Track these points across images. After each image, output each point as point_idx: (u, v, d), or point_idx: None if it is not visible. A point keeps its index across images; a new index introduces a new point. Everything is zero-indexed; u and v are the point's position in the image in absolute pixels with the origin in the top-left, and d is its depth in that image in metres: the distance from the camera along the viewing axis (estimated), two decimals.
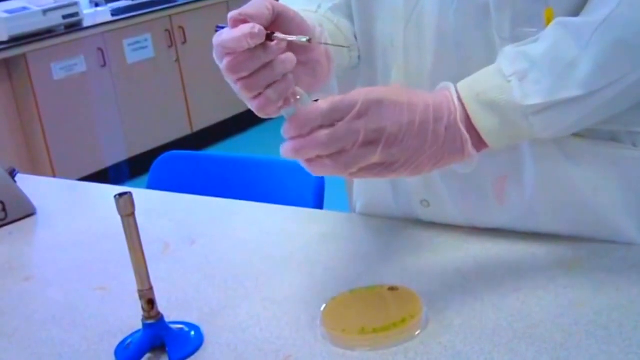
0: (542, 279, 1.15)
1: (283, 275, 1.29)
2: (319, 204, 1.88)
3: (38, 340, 1.20)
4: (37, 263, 1.56)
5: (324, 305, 1.14)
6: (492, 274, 1.19)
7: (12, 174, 1.84)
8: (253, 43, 1.01)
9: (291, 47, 1.06)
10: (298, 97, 1.06)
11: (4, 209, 1.73)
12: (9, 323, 1.27)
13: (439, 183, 1.30)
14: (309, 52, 1.15)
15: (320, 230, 1.45)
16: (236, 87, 1.08)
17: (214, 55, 1.08)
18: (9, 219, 1.74)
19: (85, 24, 5.76)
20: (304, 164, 1.05)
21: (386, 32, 1.28)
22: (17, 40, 5.28)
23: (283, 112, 1.06)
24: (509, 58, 1.08)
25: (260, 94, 1.05)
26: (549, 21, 1.10)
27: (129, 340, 1.14)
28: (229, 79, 1.08)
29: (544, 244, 1.24)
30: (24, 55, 5.30)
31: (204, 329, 1.15)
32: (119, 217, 1.07)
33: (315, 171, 1.05)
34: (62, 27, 5.60)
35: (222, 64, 1.06)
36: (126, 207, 1.07)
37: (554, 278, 1.15)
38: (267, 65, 1.04)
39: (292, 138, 1.03)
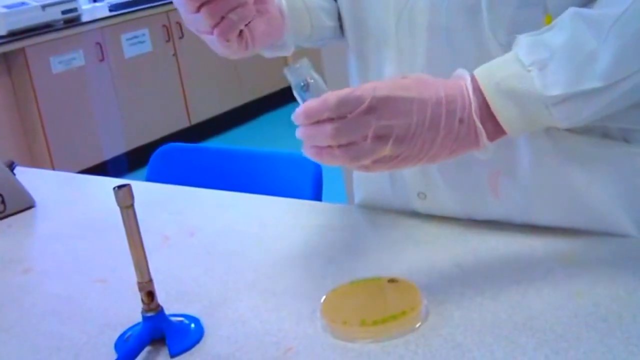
0: (540, 271, 1.14)
1: (282, 268, 1.28)
2: (317, 196, 1.87)
3: (37, 333, 1.19)
4: (36, 256, 1.55)
5: (323, 297, 1.13)
6: (491, 266, 1.18)
7: (12, 167, 1.84)
8: None
9: None
10: (311, 80, 1.07)
11: (3, 202, 1.72)
12: (7, 316, 1.25)
13: (436, 175, 1.29)
14: (265, 3, 1.20)
15: (320, 222, 1.44)
16: (197, 24, 1.14)
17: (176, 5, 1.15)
18: (7, 212, 1.73)
19: (84, 19, 5.79)
20: (313, 155, 1.05)
21: (378, 27, 1.27)
22: (16, 35, 5.29)
23: (297, 96, 1.08)
24: (526, 46, 1.07)
25: (222, 18, 1.12)
26: None
27: (128, 333, 1.13)
28: (189, 11, 1.13)
29: (542, 236, 1.23)
30: (23, 50, 5.30)
31: (204, 322, 1.14)
32: (118, 210, 1.06)
33: (325, 161, 1.04)
34: (61, 22, 5.62)
35: None
36: (125, 199, 1.05)
37: (552, 270, 1.14)
38: None
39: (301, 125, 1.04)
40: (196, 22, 1.15)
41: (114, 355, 1.09)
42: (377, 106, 1.00)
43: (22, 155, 5.27)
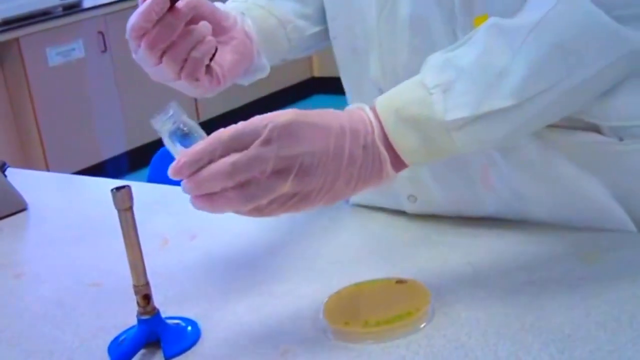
0: (557, 271, 1.20)
1: (284, 270, 1.34)
2: None
3: (29, 337, 1.25)
4: (28, 259, 1.61)
5: (326, 299, 1.19)
6: (504, 266, 1.24)
7: (3, 167, 1.88)
8: (160, 9, 1.16)
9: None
10: (185, 128, 1.07)
11: None
12: None
13: (426, 177, 1.35)
14: (227, 32, 1.29)
15: (323, 223, 1.50)
16: (163, 74, 1.23)
17: (133, 54, 1.23)
18: None
19: (85, 5, 5.75)
20: (201, 204, 1.03)
21: (360, 21, 1.33)
22: (10, 23, 5.28)
23: (172, 146, 1.07)
24: (434, 67, 1.09)
25: (185, 61, 1.19)
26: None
27: (123, 337, 1.19)
28: (151, 64, 1.22)
29: (561, 235, 1.29)
30: (17, 40, 5.30)
31: (202, 324, 1.20)
32: (115, 211, 1.10)
33: (217, 208, 1.03)
34: (59, 9, 5.59)
35: (142, 47, 1.19)
36: (123, 201, 1.09)
37: (570, 270, 1.19)
38: (185, 32, 1.20)
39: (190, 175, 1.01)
40: (161, 73, 1.24)
41: (108, 359, 1.15)
42: (278, 136, 1.01)
43: (14, 155, 5.28)
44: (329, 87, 6.49)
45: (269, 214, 1.05)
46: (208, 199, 1.02)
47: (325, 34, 1.46)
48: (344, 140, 1.05)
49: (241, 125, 1.02)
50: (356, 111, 1.09)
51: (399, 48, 1.27)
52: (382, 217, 1.49)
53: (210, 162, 1.00)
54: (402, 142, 1.07)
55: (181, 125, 1.07)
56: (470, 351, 1.03)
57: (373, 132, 1.07)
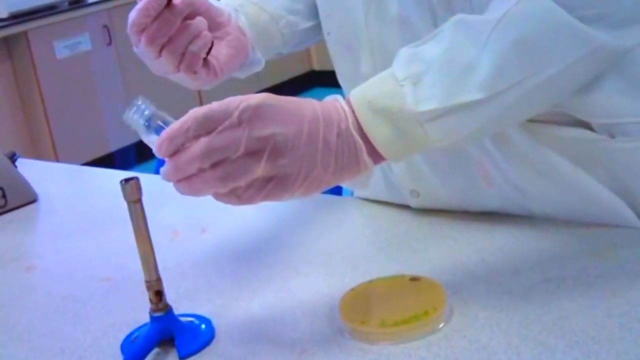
0: (573, 268, 1.15)
1: (298, 265, 1.30)
2: (336, 190, 1.88)
3: (40, 334, 1.21)
4: (38, 253, 1.58)
5: (341, 297, 1.14)
6: (519, 263, 1.19)
7: (13, 158, 1.86)
8: (158, 5, 1.20)
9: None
10: (158, 120, 1.06)
11: (3, 196, 1.75)
12: (8, 316, 1.28)
13: (426, 172, 1.33)
14: (222, 28, 1.33)
15: (338, 218, 1.47)
16: (162, 67, 1.27)
17: (135, 48, 1.26)
18: (9, 206, 1.76)
19: None
20: (181, 188, 1.03)
21: (348, 20, 1.32)
22: (18, 17, 5.32)
23: (151, 135, 1.06)
24: (403, 60, 1.07)
25: (183, 55, 1.25)
26: None
27: (135, 334, 1.15)
28: (152, 58, 1.26)
29: (575, 230, 1.25)
30: (25, 33, 5.33)
31: (215, 322, 1.16)
32: (125, 204, 1.07)
33: (196, 189, 1.02)
34: (66, 3, 5.64)
35: (141, 42, 1.23)
36: (132, 193, 1.07)
37: (585, 267, 1.15)
38: (182, 27, 1.24)
39: (170, 156, 1.01)
40: (161, 66, 1.27)
41: (120, 357, 1.11)
42: (250, 116, 1.00)
43: (24, 146, 5.30)
44: (328, 80, 6.51)
45: (247, 200, 1.03)
46: (186, 181, 1.02)
47: (318, 28, 1.46)
48: (317, 126, 1.03)
49: (215, 104, 1.01)
50: (330, 101, 1.08)
51: (390, 45, 1.25)
52: (389, 211, 1.46)
53: (185, 141, 1.00)
54: (376, 133, 1.05)
55: (152, 116, 1.07)
56: (493, 354, 0.98)
57: (347, 120, 1.05)
